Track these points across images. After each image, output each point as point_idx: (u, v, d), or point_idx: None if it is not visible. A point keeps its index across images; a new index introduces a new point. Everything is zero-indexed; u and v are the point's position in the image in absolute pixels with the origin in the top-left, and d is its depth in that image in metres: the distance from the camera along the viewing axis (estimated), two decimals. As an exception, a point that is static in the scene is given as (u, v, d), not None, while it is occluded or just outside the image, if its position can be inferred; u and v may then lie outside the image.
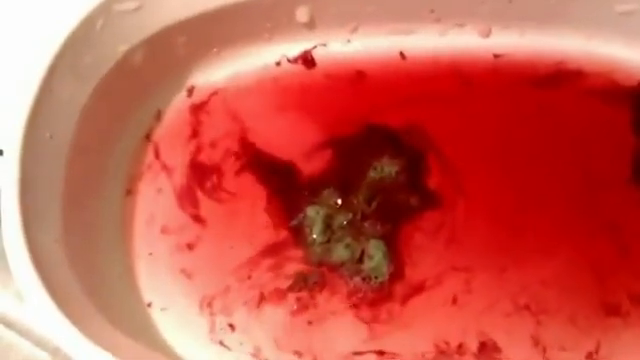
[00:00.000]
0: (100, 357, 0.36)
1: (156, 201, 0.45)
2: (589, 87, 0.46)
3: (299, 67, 0.48)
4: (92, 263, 0.42)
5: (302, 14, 0.46)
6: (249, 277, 0.43)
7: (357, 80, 0.47)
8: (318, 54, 0.48)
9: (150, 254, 0.44)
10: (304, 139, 0.46)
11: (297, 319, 0.42)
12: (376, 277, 0.43)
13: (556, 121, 0.46)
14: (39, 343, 0.43)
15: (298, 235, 0.44)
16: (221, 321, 0.43)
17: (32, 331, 0.44)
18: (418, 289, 0.43)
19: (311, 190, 0.45)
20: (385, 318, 0.42)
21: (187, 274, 0.44)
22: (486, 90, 0.47)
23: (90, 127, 0.43)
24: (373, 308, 0.42)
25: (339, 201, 0.44)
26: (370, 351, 0.42)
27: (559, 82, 0.47)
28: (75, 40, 0.41)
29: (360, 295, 0.43)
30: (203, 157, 0.46)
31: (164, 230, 0.45)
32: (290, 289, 0.43)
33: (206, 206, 0.45)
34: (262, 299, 0.43)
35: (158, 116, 0.47)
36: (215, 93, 0.48)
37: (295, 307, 0.43)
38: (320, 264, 0.43)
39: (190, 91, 0.48)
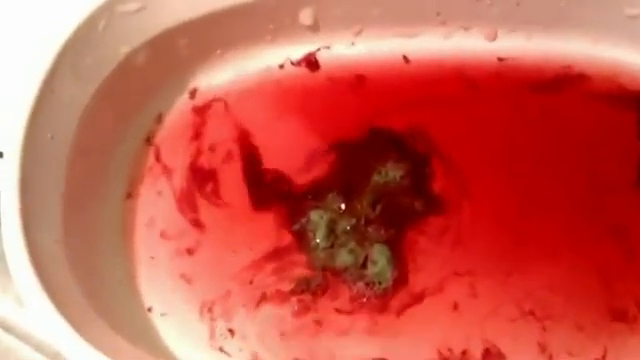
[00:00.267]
0: (99, 362, 0.35)
1: (156, 205, 0.45)
2: (595, 91, 0.46)
3: (302, 70, 0.48)
4: (92, 266, 0.42)
5: (306, 16, 0.46)
6: (251, 282, 0.43)
7: (361, 83, 0.47)
8: (322, 57, 0.48)
9: (151, 258, 0.44)
10: (307, 142, 0.46)
11: (298, 323, 0.42)
12: (380, 283, 0.42)
13: (562, 125, 0.46)
14: (39, 347, 0.43)
15: (301, 240, 0.44)
16: (221, 327, 0.42)
17: (32, 335, 0.43)
18: (421, 295, 0.42)
19: (314, 194, 0.45)
20: (388, 324, 0.42)
21: (187, 279, 0.43)
22: (491, 94, 0.46)
23: (91, 129, 0.42)
24: (376, 314, 0.42)
25: (343, 205, 0.44)
26: (372, 358, 0.41)
27: (565, 86, 0.47)
28: (77, 41, 0.41)
29: (363, 301, 0.42)
30: (204, 160, 0.46)
31: (164, 235, 0.44)
32: (292, 292, 0.43)
33: (206, 211, 0.45)
34: (263, 299, 0.42)
35: (159, 118, 0.47)
36: (217, 95, 0.47)
37: (296, 308, 0.42)
38: (323, 269, 0.43)
39: (192, 93, 0.48)
